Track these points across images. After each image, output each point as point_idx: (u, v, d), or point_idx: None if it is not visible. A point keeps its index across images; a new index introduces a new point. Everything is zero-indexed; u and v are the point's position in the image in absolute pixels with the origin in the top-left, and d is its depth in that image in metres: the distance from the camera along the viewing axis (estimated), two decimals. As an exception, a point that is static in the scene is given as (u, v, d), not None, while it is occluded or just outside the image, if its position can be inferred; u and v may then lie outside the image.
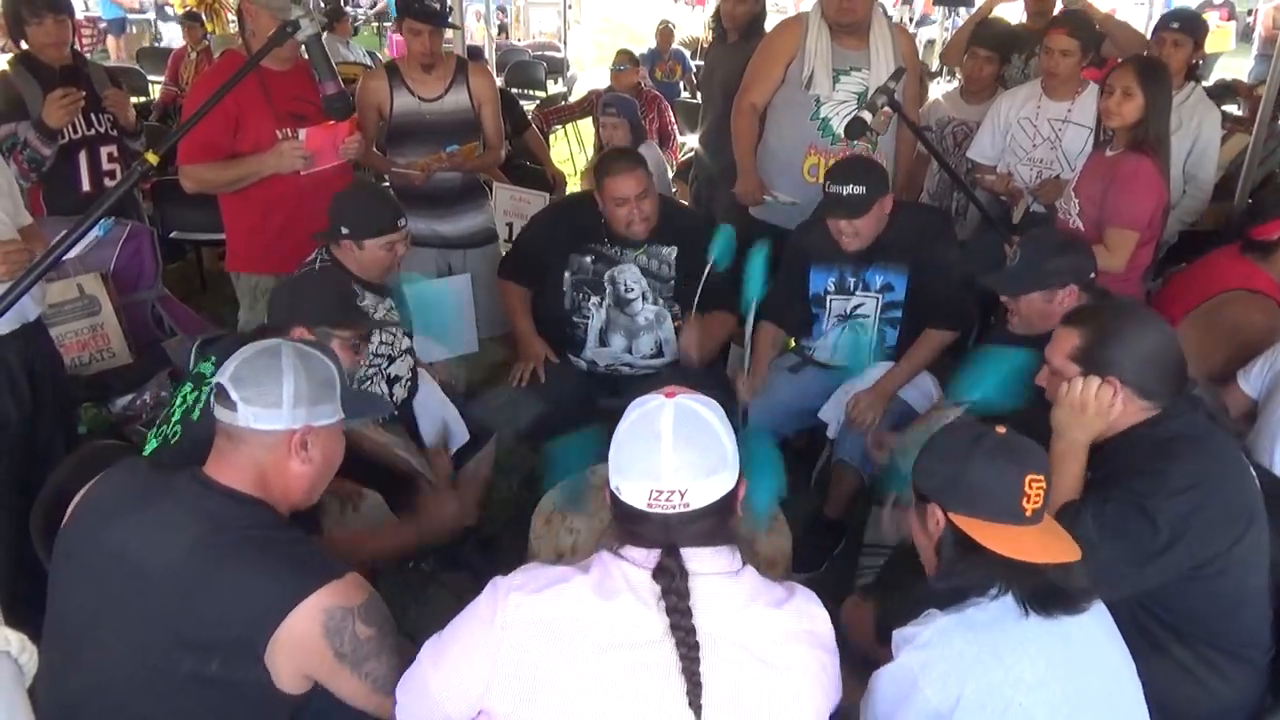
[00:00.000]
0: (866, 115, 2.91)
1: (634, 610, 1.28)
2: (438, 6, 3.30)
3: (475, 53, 6.18)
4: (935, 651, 1.43)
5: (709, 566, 1.31)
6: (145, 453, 2.11)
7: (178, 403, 2.06)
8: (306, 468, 1.57)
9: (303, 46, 2.40)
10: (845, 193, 2.76)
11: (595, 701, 1.25)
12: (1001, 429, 1.52)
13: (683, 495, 1.29)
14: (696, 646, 1.25)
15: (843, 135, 3.29)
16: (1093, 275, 2.36)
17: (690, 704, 1.24)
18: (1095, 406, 1.81)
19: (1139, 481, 1.74)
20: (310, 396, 1.55)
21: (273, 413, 1.52)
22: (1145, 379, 1.80)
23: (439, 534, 2.28)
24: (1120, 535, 1.72)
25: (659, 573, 1.29)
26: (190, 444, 1.93)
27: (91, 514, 1.57)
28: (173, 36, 11.37)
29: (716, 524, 1.34)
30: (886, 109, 2.99)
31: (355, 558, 2.07)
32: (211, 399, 1.56)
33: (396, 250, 2.61)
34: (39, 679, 1.47)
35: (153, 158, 2.09)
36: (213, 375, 2.00)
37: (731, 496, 1.35)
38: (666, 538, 1.31)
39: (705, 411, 1.35)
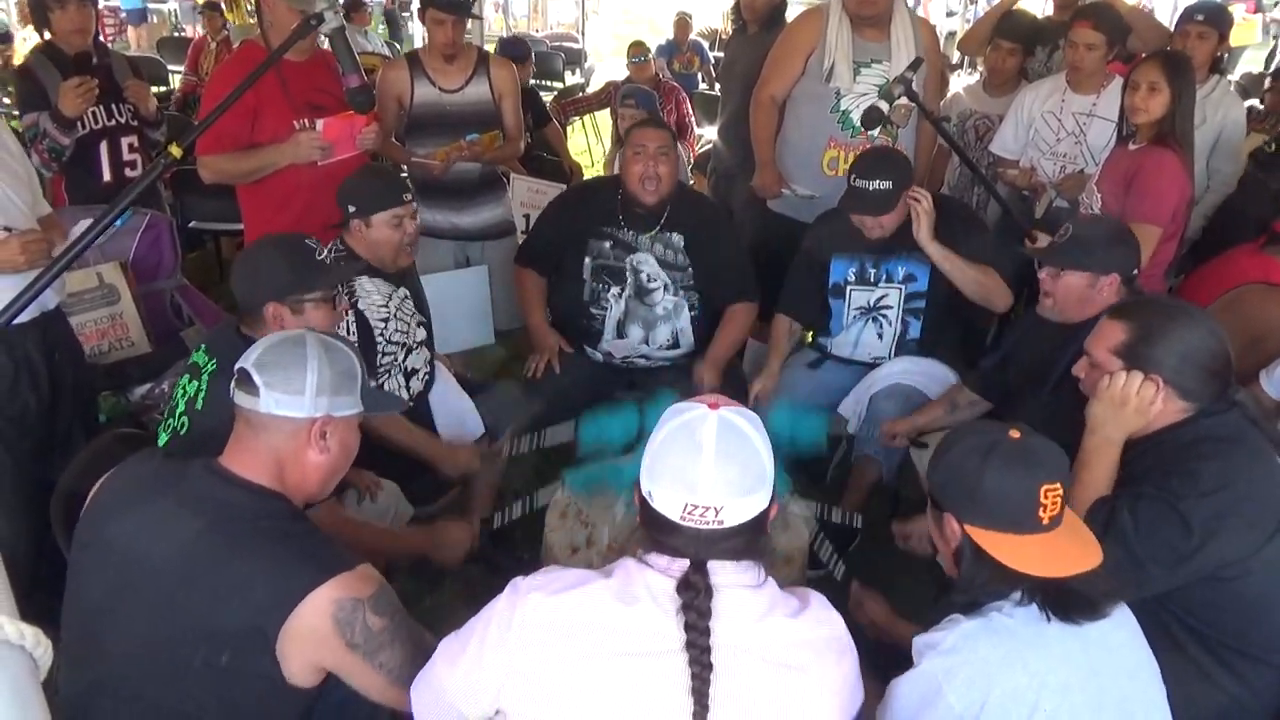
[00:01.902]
0: (883, 104, 2.88)
1: (653, 618, 1.26)
2: None
3: (515, 44, 6.16)
4: (960, 657, 1.41)
5: (732, 580, 1.30)
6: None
7: (179, 395, 2.06)
8: (324, 458, 1.58)
9: (325, 39, 2.39)
10: (871, 188, 2.74)
11: (607, 707, 1.25)
12: (1016, 432, 1.48)
13: (718, 512, 1.27)
14: (710, 667, 1.23)
15: (860, 125, 3.26)
16: (1135, 273, 2.32)
17: None
18: (1136, 403, 1.77)
19: (1172, 481, 1.71)
20: (332, 386, 1.56)
21: (295, 400, 1.53)
22: (1188, 380, 1.77)
23: (448, 559, 2.28)
24: (1153, 536, 1.69)
25: (683, 587, 1.27)
26: (200, 432, 1.94)
27: (106, 505, 1.58)
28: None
29: (747, 542, 1.32)
30: (905, 100, 2.96)
31: (364, 550, 2.08)
32: (232, 385, 1.57)
33: (405, 227, 2.58)
34: (59, 668, 1.49)
35: (176, 151, 2.10)
36: (207, 364, 2.01)
37: (764, 515, 1.34)
38: (695, 553, 1.29)
39: (748, 427, 1.32)
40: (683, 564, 1.29)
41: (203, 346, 2.09)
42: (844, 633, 1.36)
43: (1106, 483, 1.81)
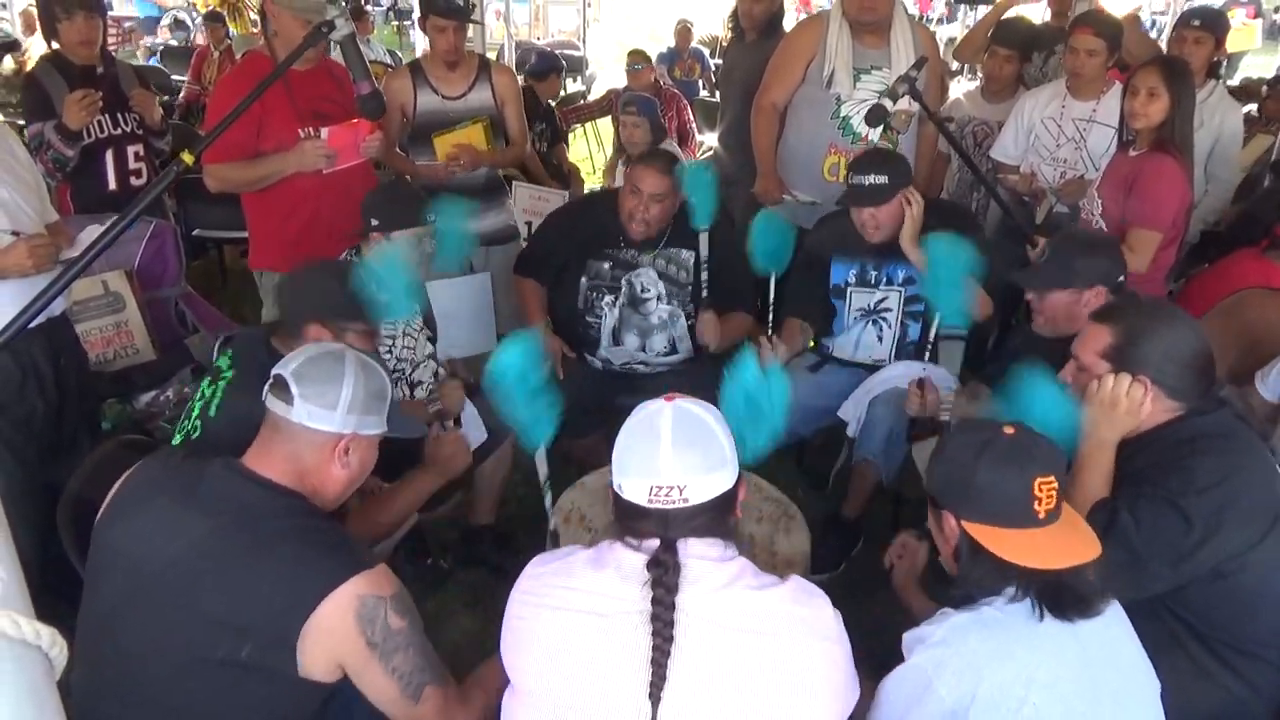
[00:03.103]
0: (887, 102, 2.91)
1: (615, 584, 1.34)
2: (461, 2, 3.32)
3: (546, 59, 6.14)
4: (949, 649, 1.42)
5: (697, 552, 1.35)
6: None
7: (198, 396, 2.09)
8: (344, 473, 1.62)
9: (335, 46, 2.41)
10: (867, 182, 2.78)
11: (570, 660, 1.33)
12: (1010, 429, 1.50)
13: (681, 490, 1.35)
14: (671, 640, 1.29)
15: (865, 124, 3.27)
16: (1122, 279, 2.33)
17: (650, 695, 1.28)
18: (1127, 405, 1.80)
19: (1170, 479, 1.73)
20: (363, 406, 1.60)
21: (327, 414, 1.56)
22: (1175, 379, 1.79)
23: (446, 474, 2.25)
24: (1155, 535, 1.71)
25: (653, 564, 1.33)
26: (210, 438, 1.97)
27: (125, 504, 1.60)
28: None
29: (714, 519, 1.38)
30: (906, 105, 2.97)
31: (378, 524, 2.13)
32: (265, 388, 1.60)
33: (424, 246, 2.61)
34: (74, 671, 1.50)
35: (188, 157, 2.11)
36: (227, 371, 2.03)
37: (731, 495, 1.40)
38: (665, 532, 1.36)
39: (703, 414, 1.41)
40: (653, 543, 1.35)
41: (229, 352, 2.12)
42: (830, 621, 1.37)
43: (1104, 485, 1.83)
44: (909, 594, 1.98)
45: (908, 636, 1.50)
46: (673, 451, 1.35)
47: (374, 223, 2.58)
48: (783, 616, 1.33)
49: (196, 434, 2.02)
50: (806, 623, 1.34)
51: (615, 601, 1.33)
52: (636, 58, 6.20)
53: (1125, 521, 1.72)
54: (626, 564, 1.35)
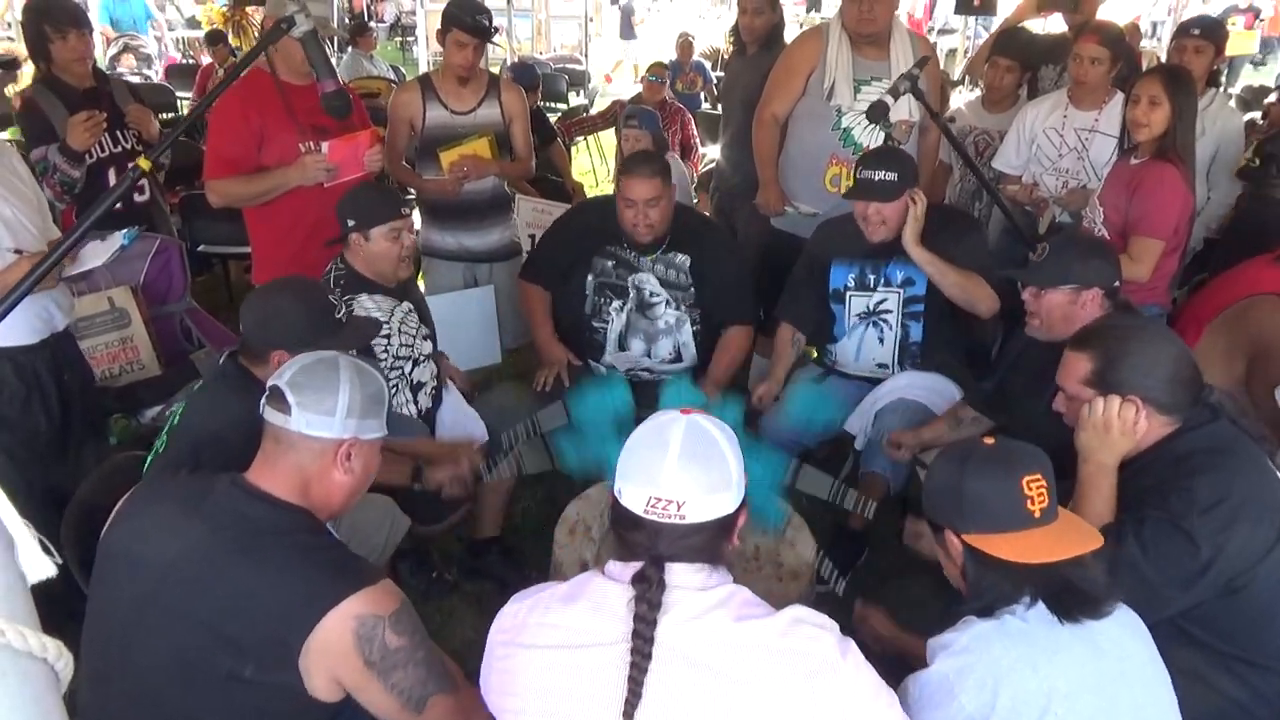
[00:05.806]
0: (889, 99, 2.90)
1: (587, 616, 1.32)
2: (487, 23, 3.34)
3: (524, 71, 6.11)
4: (973, 657, 1.43)
5: (681, 580, 1.32)
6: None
7: (170, 421, 2.12)
8: (348, 478, 1.62)
9: (339, 58, 2.41)
10: (877, 178, 2.78)
11: (543, 697, 1.31)
12: (990, 439, 1.52)
13: (679, 506, 1.31)
14: (649, 657, 1.26)
15: (867, 120, 3.25)
16: (1117, 284, 2.34)
17: (625, 712, 1.26)
18: (1120, 426, 1.80)
19: (1171, 500, 1.73)
20: (361, 409, 1.60)
21: (325, 420, 1.56)
22: (1162, 394, 1.79)
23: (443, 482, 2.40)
24: (1163, 558, 1.70)
25: (638, 579, 1.30)
26: (173, 450, 2.00)
27: (130, 520, 1.60)
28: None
29: (707, 542, 1.34)
30: (906, 117, 2.96)
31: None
32: (263, 401, 1.60)
33: (403, 240, 2.60)
34: (80, 687, 1.50)
35: (145, 163, 2.13)
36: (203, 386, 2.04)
37: (730, 520, 1.36)
38: (654, 548, 1.32)
39: (716, 432, 1.37)
40: (635, 566, 1.32)
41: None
42: (828, 653, 1.29)
43: (1108, 508, 1.82)
44: (901, 643, 1.93)
45: (932, 643, 1.50)
46: (678, 465, 1.31)
47: (350, 223, 2.56)
48: (762, 651, 1.26)
49: (163, 448, 2.05)
50: (794, 657, 1.27)
51: (589, 635, 1.30)
52: (657, 70, 6.17)
53: (1131, 546, 1.72)
54: (601, 596, 1.32)
